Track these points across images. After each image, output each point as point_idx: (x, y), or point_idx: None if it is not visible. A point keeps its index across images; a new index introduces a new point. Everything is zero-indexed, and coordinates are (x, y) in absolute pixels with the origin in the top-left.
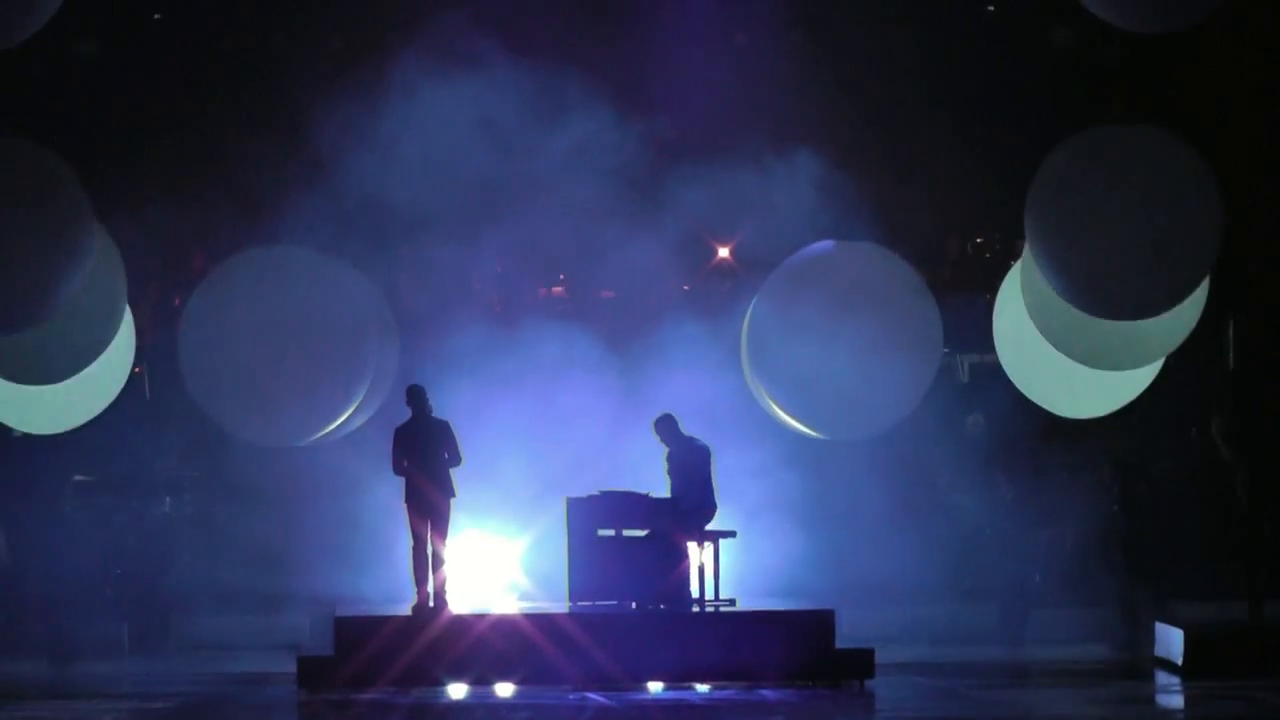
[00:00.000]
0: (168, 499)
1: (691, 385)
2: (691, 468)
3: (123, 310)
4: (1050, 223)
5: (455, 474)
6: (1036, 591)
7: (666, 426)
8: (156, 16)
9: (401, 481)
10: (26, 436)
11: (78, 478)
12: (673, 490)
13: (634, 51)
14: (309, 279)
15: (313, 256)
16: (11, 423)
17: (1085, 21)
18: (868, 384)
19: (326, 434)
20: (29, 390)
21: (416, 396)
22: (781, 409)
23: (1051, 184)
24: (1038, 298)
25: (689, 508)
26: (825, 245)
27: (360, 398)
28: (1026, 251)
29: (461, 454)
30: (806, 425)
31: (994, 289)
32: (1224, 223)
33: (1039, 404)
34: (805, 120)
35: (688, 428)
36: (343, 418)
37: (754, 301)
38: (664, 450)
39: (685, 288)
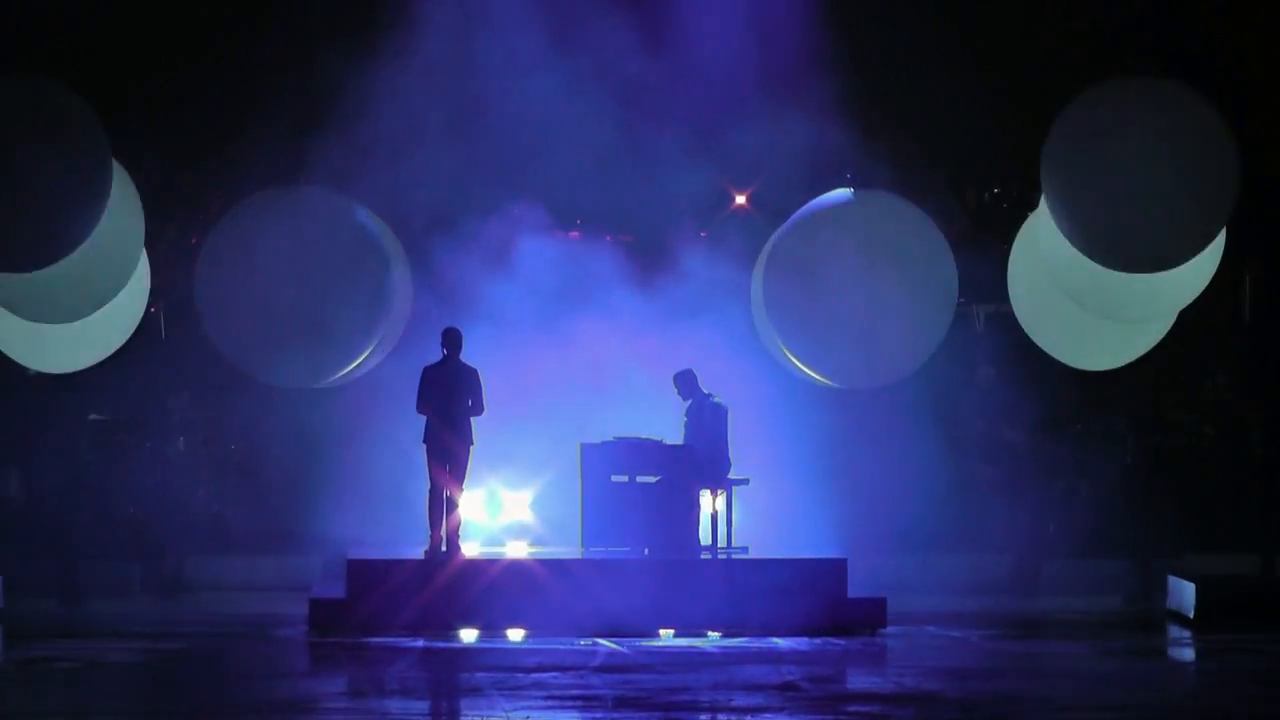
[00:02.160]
0: (181, 439)
1: (707, 333)
2: (708, 423)
3: (140, 249)
4: (1067, 174)
5: (475, 422)
6: (1051, 542)
7: (686, 381)
8: None
9: (422, 423)
10: (42, 375)
11: (92, 417)
12: (687, 443)
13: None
14: (326, 219)
15: (330, 196)
16: (28, 361)
17: None
18: (883, 333)
19: (343, 375)
20: (45, 328)
21: (451, 340)
22: (795, 357)
23: (1068, 136)
24: (1053, 249)
25: (703, 460)
26: (842, 194)
27: (376, 339)
28: (1043, 203)
29: (485, 403)
30: (820, 374)
31: (1010, 240)
32: (1240, 175)
33: (1053, 355)
34: (824, 71)
35: (706, 384)
36: (359, 359)
37: (768, 249)
38: (683, 404)
39: (702, 234)
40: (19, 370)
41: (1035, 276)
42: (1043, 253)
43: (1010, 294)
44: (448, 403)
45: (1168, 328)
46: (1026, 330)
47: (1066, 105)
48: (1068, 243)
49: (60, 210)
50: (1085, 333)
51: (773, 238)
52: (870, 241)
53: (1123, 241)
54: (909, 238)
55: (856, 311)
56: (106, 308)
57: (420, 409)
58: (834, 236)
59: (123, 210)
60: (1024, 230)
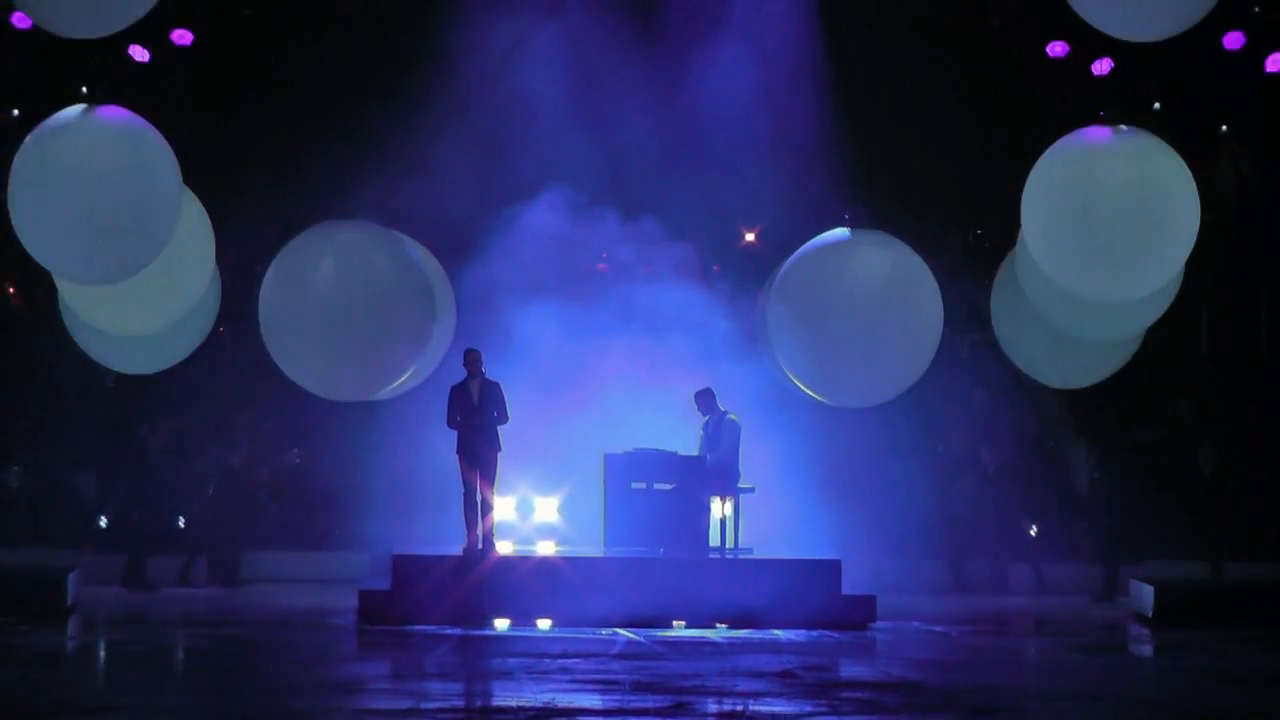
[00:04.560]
0: (244, 447)
1: (717, 359)
2: (723, 438)
3: (209, 268)
4: (1043, 219)
5: (502, 431)
6: (1026, 548)
7: (706, 399)
8: (247, 12)
9: (454, 435)
10: (121, 385)
11: (163, 424)
12: (705, 453)
13: (671, 51)
14: (377, 248)
15: (380, 229)
16: (112, 365)
17: (1079, 36)
18: (874, 359)
19: (391, 390)
20: (126, 337)
21: (471, 360)
22: (797, 379)
23: (1044, 183)
24: (1032, 281)
25: (716, 471)
26: (840, 232)
27: (421, 358)
28: (1021, 239)
29: (509, 413)
30: (819, 394)
31: (991, 276)
32: (1198, 219)
33: (1032, 375)
34: (827, 126)
35: (724, 402)
36: (404, 376)
37: (773, 280)
38: (702, 419)
39: (715, 268)
40: (99, 380)
41: (1015, 305)
42: (1023, 281)
43: (993, 322)
44: (474, 416)
45: (1133, 351)
46: (1008, 353)
47: (1043, 154)
48: (1045, 276)
49: (139, 231)
50: (1060, 356)
51: (778, 271)
52: (864, 276)
53: (1092, 279)
54: (900, 271)
55: (851, 339)
56: (181, 317)
57: (450, 424)
58: (833, 270)
59: (196, 231)
60: (1004, 265)
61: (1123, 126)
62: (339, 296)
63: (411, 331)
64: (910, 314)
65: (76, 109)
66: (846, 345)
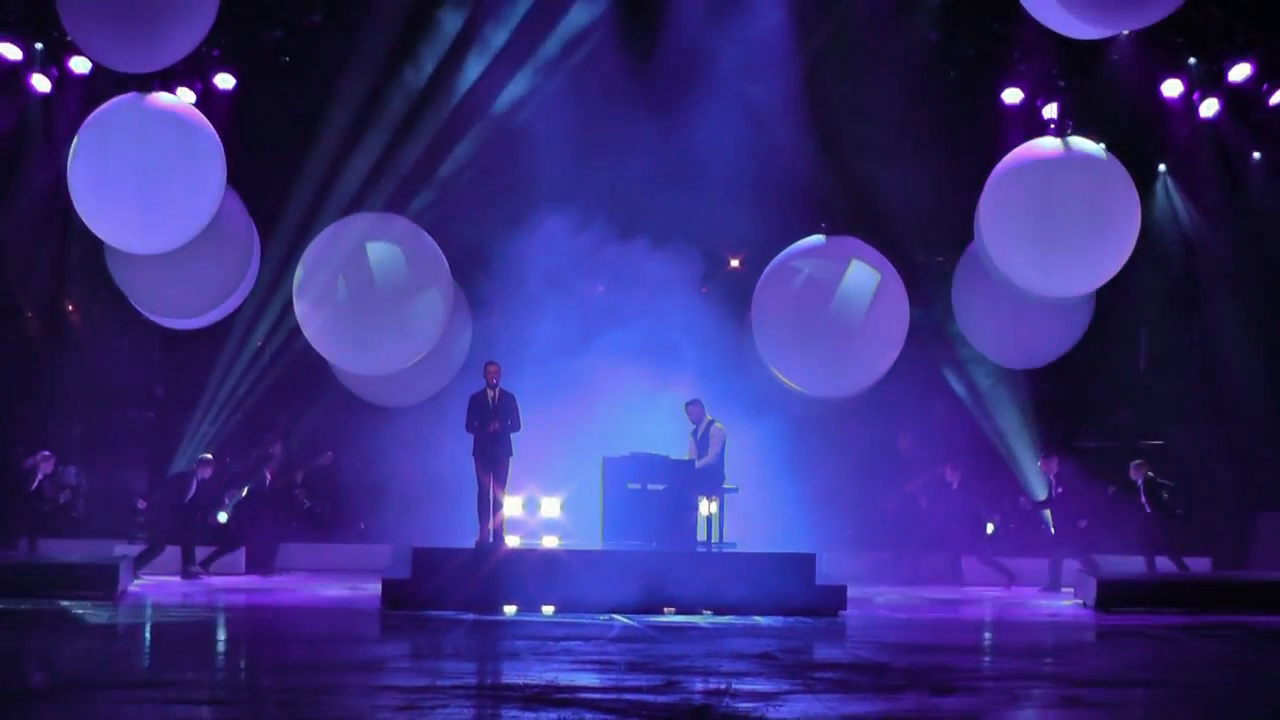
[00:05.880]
0: (280, 447)
1: (707, 373)
2: (710, 444)
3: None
4: (998, 226)
5: (514, 437)
6: (992, 543)
7: (695, 409)
8: (286, 59)
9: (471, 439)
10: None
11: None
12: (695, 459)
13: (665, 102)
14: (402, 237)
15: (404, 221)
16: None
17: (1028, 82)
18: (845, 352)
19: (411, 364)
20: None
21: (492, 372)
22: (780, 373)
23: (999, 193)
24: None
25: (704, 474)
26: (816, 239)
27: (441, 333)
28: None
29: (522, 421)
30: (800, 385)
31: (946, 297)
32: (1139, 221)
33: (992, 358)
34: (806, 163)
35: (711, 412)
36: (424, 352)
37: (760, 282)
38: (691, 427)
39: (705, 289)
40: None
41: (976, 290)
42: (985, 271)
43: (954, 301)
44: (490, 422)
45: (1089, 319)
46: (968, 335)
47: (995, 168)
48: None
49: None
50: (1019, 337)
51: (763, 274)
52: (839, 279)
53: (1044, 276)
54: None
55: (826, 340)
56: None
57: (468, 428)
58: (810, 273)
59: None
60: (965, 257)
61: (1070, 139)
62: (365, 277)
63: (430, 308)
64: (877, 312)
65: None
66: (819, 340)
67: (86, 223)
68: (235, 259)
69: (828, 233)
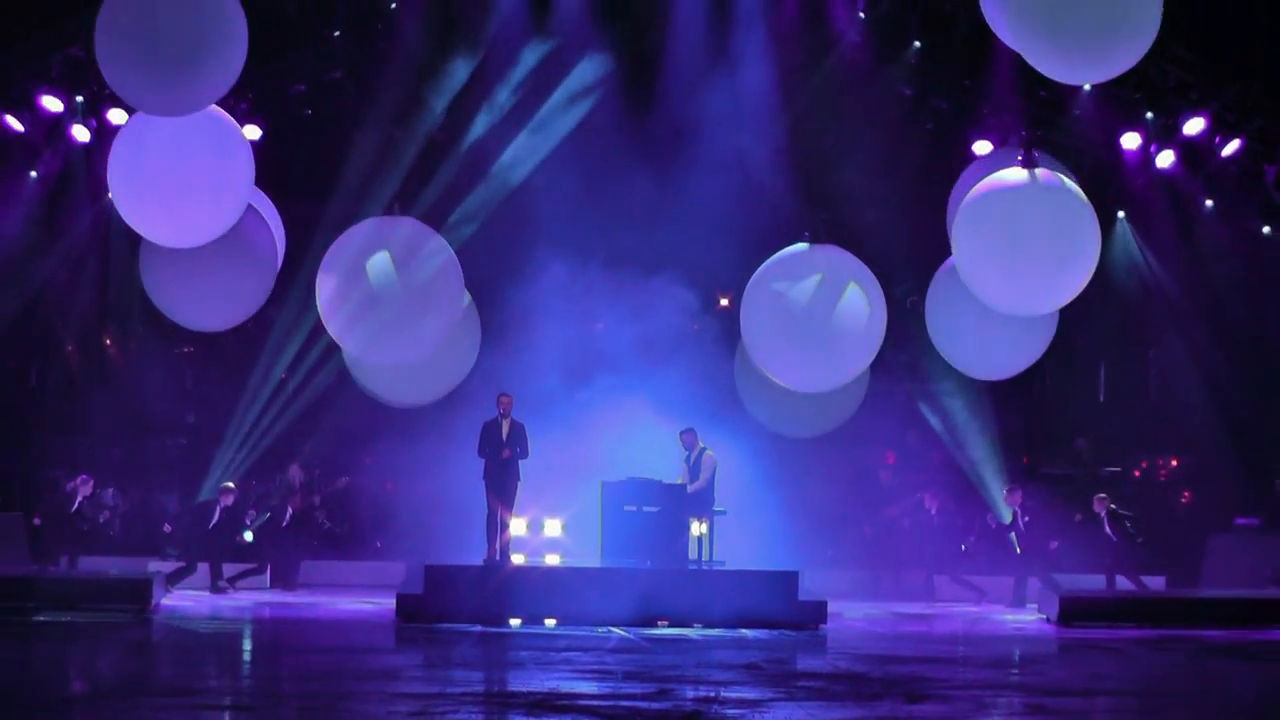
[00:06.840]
0: (299, 469)
1: (699, 404)
2: (701, 469)
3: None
4: (973, 239)
5: (522, 464)
6: (961, 563)
7: (688, 437)
8: (309, 112)
9: (482, 464)
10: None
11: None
12: (687, 484)
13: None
14: (415, 238)
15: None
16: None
17: (997, 134)
18: (821, 400)
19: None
20: None
21: (505, 403)
22: (764, 368)
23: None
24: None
25: (695, 498)
26: (799, 246)
27: (449, 326)
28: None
29: (530, 449)
30: (783, 380)
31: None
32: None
33: (963, 370)
34: (793, 206)
35: (703, 440)
36: (435, 343)
37: (748, 285)
38: (684, 454)
39: (695, 326)
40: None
41: (953, 299)
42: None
43: (927, 316)
44: (500, 449)
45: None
46: (940, 349)
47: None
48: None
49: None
50: (987, 349)
51: (750, 281)
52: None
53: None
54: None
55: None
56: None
57: (480, 454)
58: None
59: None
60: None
61: (1038, 167)
62: (381, 275)
63: (440, 300)
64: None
65: None
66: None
67: (122, 215)
68: (263, 257)
69: (810, 240)
